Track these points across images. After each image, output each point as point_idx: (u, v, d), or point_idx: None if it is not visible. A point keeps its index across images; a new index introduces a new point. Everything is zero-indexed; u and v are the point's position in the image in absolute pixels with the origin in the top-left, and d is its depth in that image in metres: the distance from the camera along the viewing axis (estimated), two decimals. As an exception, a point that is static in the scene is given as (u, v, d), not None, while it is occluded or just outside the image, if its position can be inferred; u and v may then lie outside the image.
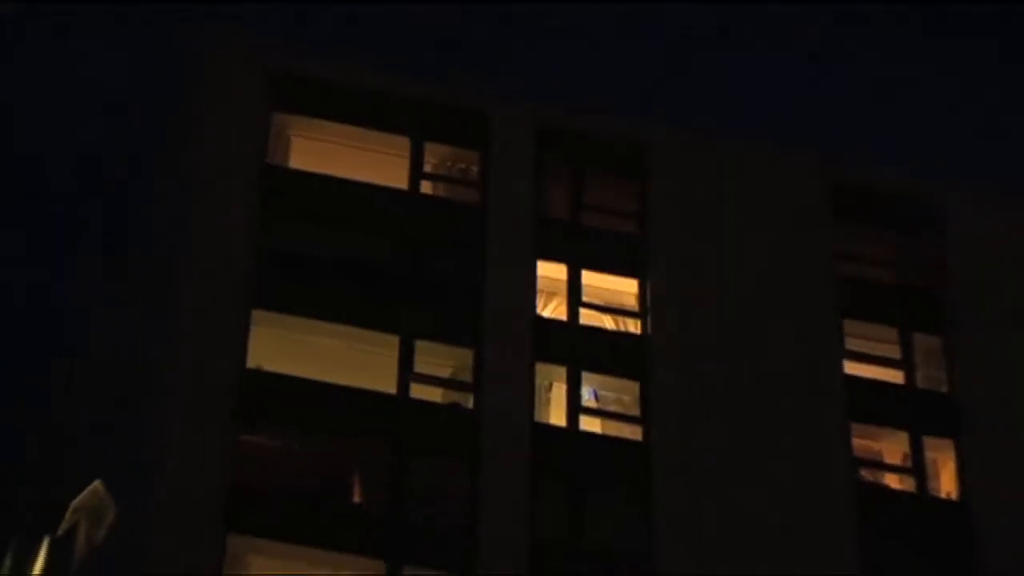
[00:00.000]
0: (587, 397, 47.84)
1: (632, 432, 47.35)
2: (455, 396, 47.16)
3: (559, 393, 47.72)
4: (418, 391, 46.48)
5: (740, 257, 50.34)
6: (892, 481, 48.49)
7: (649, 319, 49.14)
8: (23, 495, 51.57)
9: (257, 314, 46.31)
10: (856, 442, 47.97)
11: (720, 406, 47.48)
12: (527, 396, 46.86)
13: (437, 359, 47.19)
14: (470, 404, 46.75)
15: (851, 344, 49.79)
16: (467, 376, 47.18)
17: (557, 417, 47.32)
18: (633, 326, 49.33)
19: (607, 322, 49.46)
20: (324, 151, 50.22)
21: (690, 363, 48.07)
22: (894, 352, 50.16)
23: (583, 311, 49.28)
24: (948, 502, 47.92)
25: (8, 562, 50.59)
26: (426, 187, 50.60)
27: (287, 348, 46.10)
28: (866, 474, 48.10)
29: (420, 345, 46.91)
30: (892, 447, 48.87)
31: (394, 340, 46.80)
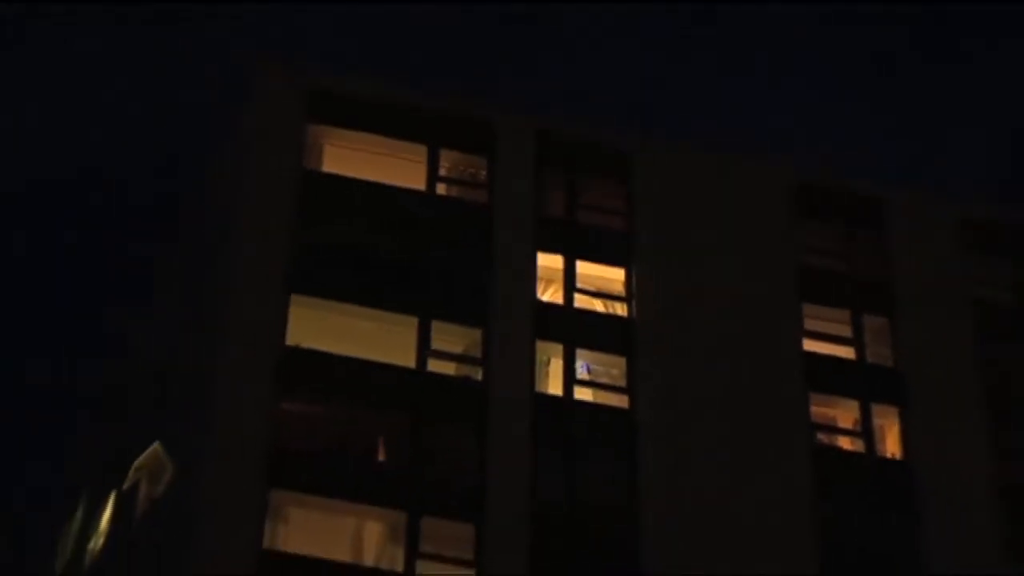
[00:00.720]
0: (581, 371, 47.85)
1: (620, 401, 47.44)
2: (466, 369, 47.14)
3: (556, 367, 47.80)
4: (434, 365, 46.63)
5: (713, 249, 50.31)
6: (845, 443, 48.60)
7: (634, 303, 49.26)
8: (93, 456, 51.71)
9: (295, 298, 46.33)
10: (813, 409, 48.15)
11: (695, 378, 47.64)
12: (528, 369, 47.03)
13: (450, 337, 47.27)
14: (479, 376, 46.79)
15: (809, 324, 49.81)
16: (477, 352, 47.24)
17: (555, 387, 47.44)
18: (620, 309, 49.33)
19: (598, 305, 49.48)
20: (353, 157, 50.08)
21: (670, 341, 48.20)
22: (846, 331, 50.20)
23: (577, 296, 49.29)
24: (893, 461, 48.02)
25: (80, 513, 50.86)
26: (441, 188, 50.58)
27: (321, 328, 45.99)
28: (822, 437, 48.06)
29: (436, 325, 47.00)
30: (845, 414, 48.92)
31: (413, 321, 46.86)
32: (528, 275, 49.07)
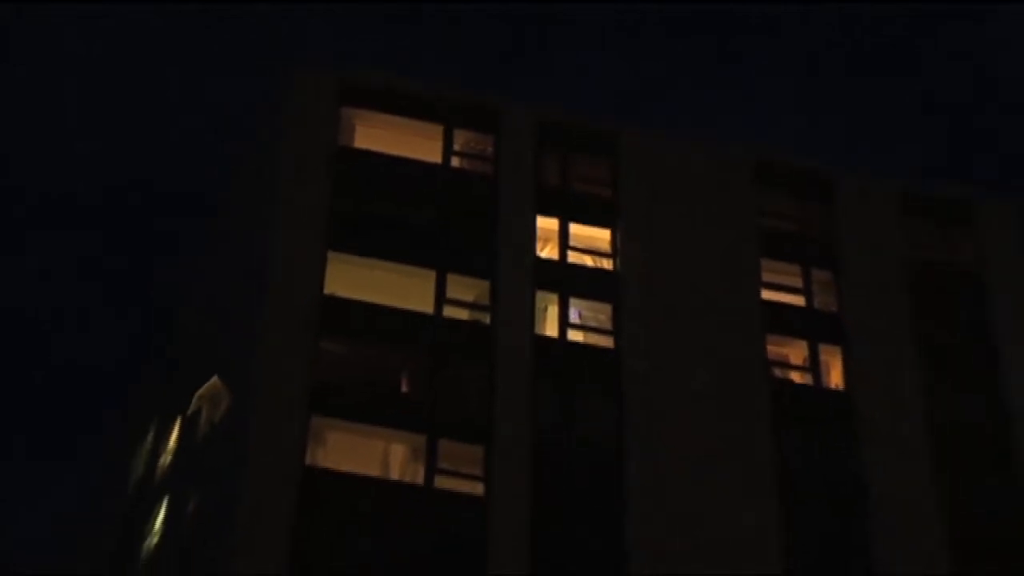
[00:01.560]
0: (573, 316, 47.91)
1: (606, 342, 47.60)
2: (476, 315, 47.04)
3: (552, 313, 47.86)
4: (449, 311, 46.64)
5: (686, 214, 50.46)
6: (796, 377, 48.58)
7: (619, 259, 49.36)
8: (162, 386, 51.88)
9: (332, 255, 46.57)
10: (770, 348, 48.32)
11: (670, 323, 47.69)
12: (529, 315, 47.14)
13: (463, 288, 47.22)
14: (487, 321, 46.80)
15: (766, 277, 49.83)
16: (485, 300, 47.22)
17: (551, 330, 47.51)
18: (607, 264, 49.37)
19: (588, 261, 49.55)
20: (380, 136, 50.14)
21: (649, 291, 48.30)
22: (798, 283, 50.21)
23: (570, 253, 49.40)
24: (836, 391, 48.15)
25: (151, 436, 51.05)
26: (455, 162, 50.58)
27: (354, 280, 46.14)
28: (777, 371, 48.07)
29: (451, 277, 47.08)
30: (796, 352, 49.00)
31: (431, 274, 46.94)
32: (528, 235, 49.12)
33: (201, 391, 47.30)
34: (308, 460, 42.67)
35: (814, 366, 48.49)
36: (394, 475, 43.96)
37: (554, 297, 48.12)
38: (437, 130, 50.77)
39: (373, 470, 43.66)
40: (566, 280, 48.76)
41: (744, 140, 55.14)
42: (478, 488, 43.33)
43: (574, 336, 47.76)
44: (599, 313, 48.25)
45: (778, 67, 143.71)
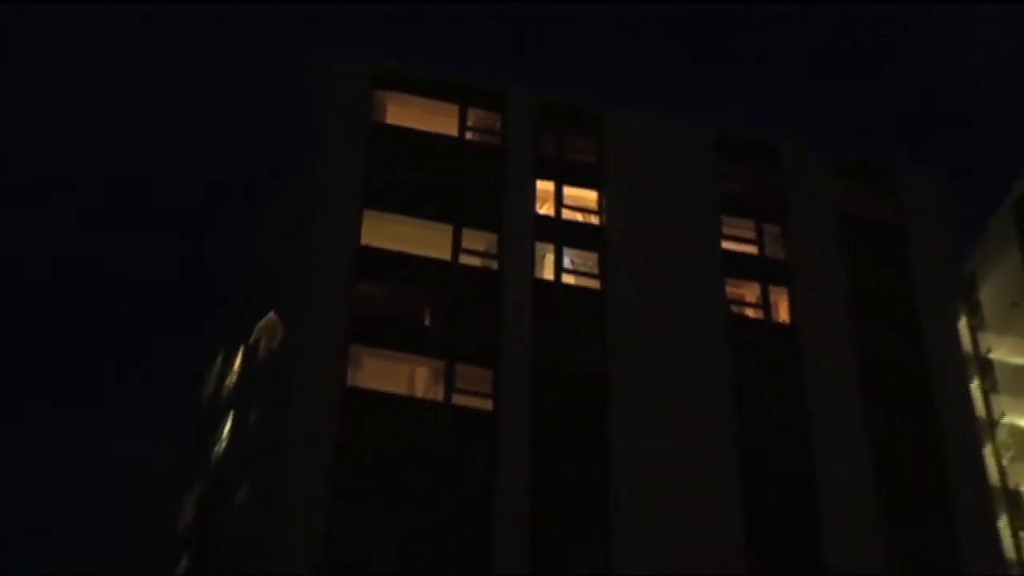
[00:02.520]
0: (566, 263, 47.85)
1: (594, 284, 47.54)
2: (487, 262, 47.05)
3: (549, 260, 47.83)
4: (464, 259, 46.62)
5: (660, 178, 50.29)
6: (750, 312, 48.51)
7: (604, 215, 49.24)
8: (229, 321, 52.06)
9: (367, 212, 46.62)
10: (728, 290, 48.31)
11: (647, 268, 47.68)
12: (530, 262, 47.19)
13: (475, 240, 47.20)
14: (495, 267, 46.81)
15: (726, 231, 49.73)
16: (494, 250, 47.18)
17: (548, 274, 47.49)
18: (594, 219, 49.23)
19: (579, 217, 49.36)
20: (407, 113, 49.93)
21: (628, 242, 48.29)
22: (751, 235, 50.08)
23: (564, 210, 49.21)
24: (783, 324, 48.12)
25: (219, 361, 51.37)
26: (468, 135, 50.36)
27: (385, 232, 46.13)
28: (734, 308, 48.11)
29: (465, 231, 47.08)
30: (750, 292, 48.82)
31: (449, 228, 46.99)
32: (529, 196, 49.06)
33: (260, 324, 47.62)
34: (348, 381, 42.74)
35: (765, 304, 48.40)
36: (419, 393, 43.91)
37: (550, 247, 48.03)
38: (453, 109, 50.49)
39: (401, 389, 43.78)
40: (560, 233, 48.65)
41: (708, 118, 54.93)
42: (487, 404, 43.36)
43: (567, 279, 47.64)
44: (587, 260, 48.11)
45: (747, 61, 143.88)
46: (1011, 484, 52.53)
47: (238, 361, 49.34)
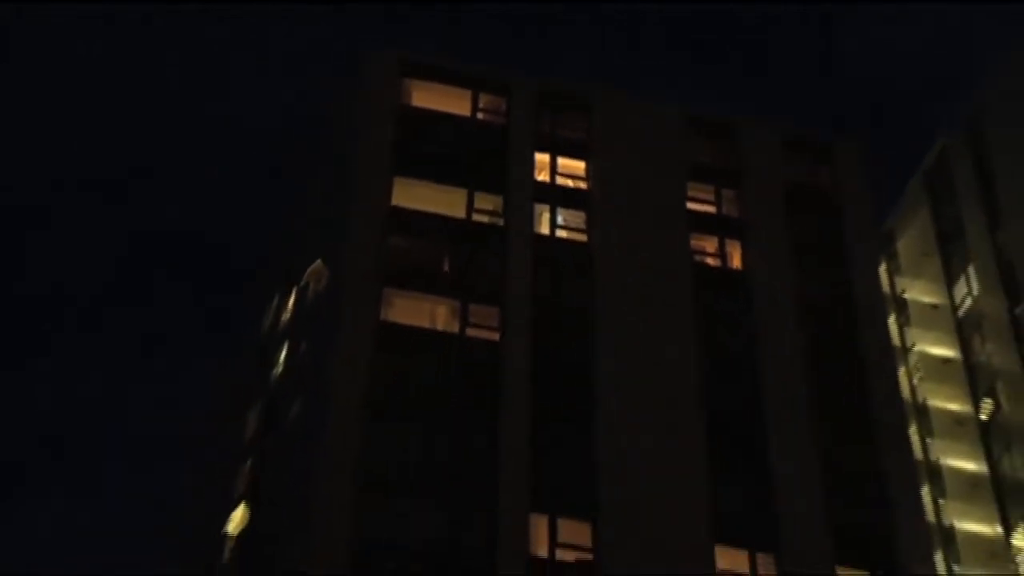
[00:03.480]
0: (559, 220, 47.75)
1: (582, 237, 47.45)
2: (494, 219, 46.89)
3: (545, 218, 47.79)
4: (476, 216, 46.55)
5: (636, 151, 50.00)
6: (710, 260, 48.26)
7: (590, 181, 49.06)
8: (283, 267, 52.08)
9: (396, 178, 46.58)
10: (693, 242, 48.18)
11: (625, 224, 47.57)
12: (530, 219, 47.12)
13: (485, 201, 47.01)
14: (501, 223, 46.70)
15: (691, 193, 49.52)
16: (500, 209, 47.02)
17: (544, 229, 47.49)
18: (583, 184, 49.07)
19: (569, 183, 49.15)
20: (429, 97, 49.76)
21: (610, 203, 48.13)
22: (712, 198, 49.74)
23: (558, 177, 49.00)
24: (736, 270, 48.01)
25: (276, 302, 51.49)
26: (480, 115, 50.07)
27: (412, 195, 46.18)
28: (697, 257, 47.97)
29: (477, 195, 46.93)
30: (710, 244, 48.55)
31: (464, 191, 46.87)
32: (530, 165, 48.91)
33: (310, 270, 47.61)
34: (381, 317, 42.78)
35: (722, 254, 48.32)
36: (439, 327, 43.85)
37: (547, 207, 47.89)
38: (467, 94, 50.21)
39: (424, 323, 43.74)
40: (554, 196, 48.45)
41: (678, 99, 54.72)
42: (495, 335, 43.35)
43: (560, 233, 47.49)
44: (576, 218, 48.00)
45: (720, 56, 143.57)
46: (920, 399, 53.23)
47: (291, 301, 49.33)
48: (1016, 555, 47.30)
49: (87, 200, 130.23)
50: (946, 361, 53.85)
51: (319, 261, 47.21)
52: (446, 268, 45.57)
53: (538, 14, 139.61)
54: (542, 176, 49.03)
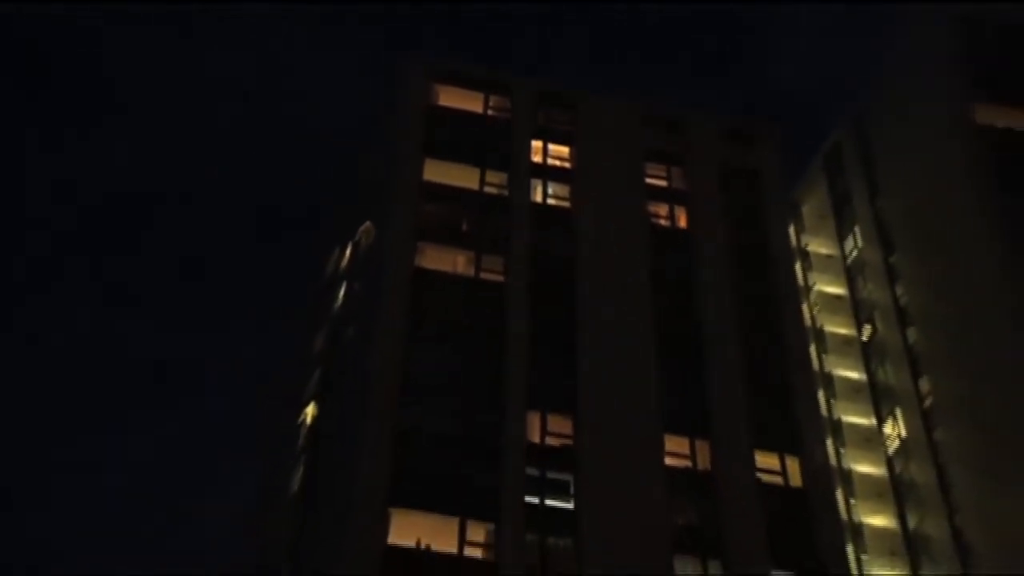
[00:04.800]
0: (549, 191, 47.34)
1: (566, 204, 47.05)
2: (500, 190, 46.32)
3: (539, 190, 47.20)
4: (487, 189, 46.09)
5: (608, 139, 49.59)
6: (663, 221, 47.42)
7: (574, 162, 48.61)
8: (341, 226, 51.80)
9: (427, 160, 46.14)
10: (649, 207, 47.64)
11: (599, 194, 47.13)
12: (528, 192, 46.71)
13: (494, 177, 46.46)
14: (507, 193, 46.23)
15: (648, 171, 48.84)
16: (505, 183, 46.50)
17: (538, 199, 46.97)
18: (568, 165, 48.60)
19: (558, 163, 48.59)
20: (451, 97, 49.31)
21: (587, 179, 47.79)
22: (663, 175, 49.02)
23: (549, 159, 48.40)
24: (683, 229, 47.34)
25: (335, 256, 51.47)
26: (489, 112, 49.37)
27: (439, 172, 45.80)
28: (653, 219, 47.33)
29: (488, 172, 46.43)
30: (663, 209, 47.83)
31: (477, 170, 46.36)
32: (528, 149, 48.36)
33: (362, 229, 47.62)
34: (416, 264, 42.50)
35: (672, 216, 47.86)
36: (459, 271, 43.45)
37: (540, 182, 47.44)
38: (480, 95, 49.49)
39: (448, 268, 43.40)
40: (546, 173, 47.95)
41: (639, 95, 54.30)
42: (501, 278, 43.05)
43: (550, 201, 47.02)
44: (563, 190, 47.59)
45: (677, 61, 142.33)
46: (818, 325, 53.70)
47: (348, 252, 49.20)
48: (885, 440, 48.09)
49: (215, 182, 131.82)
50: (837, 297, 54.06)
51: (369, 222, 47.21)
52: (464, 227, 45.23)
53: (536, 14, 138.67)
54: (537, 158, 48.59)
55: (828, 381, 50.59)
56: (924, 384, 45.44)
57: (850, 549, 42.18)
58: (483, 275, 43.13)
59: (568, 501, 36.71)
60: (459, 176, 46.00)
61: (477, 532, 34.80)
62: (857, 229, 53.68)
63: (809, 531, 37.35)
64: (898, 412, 46.90)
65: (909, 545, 43.66)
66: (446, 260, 43.60)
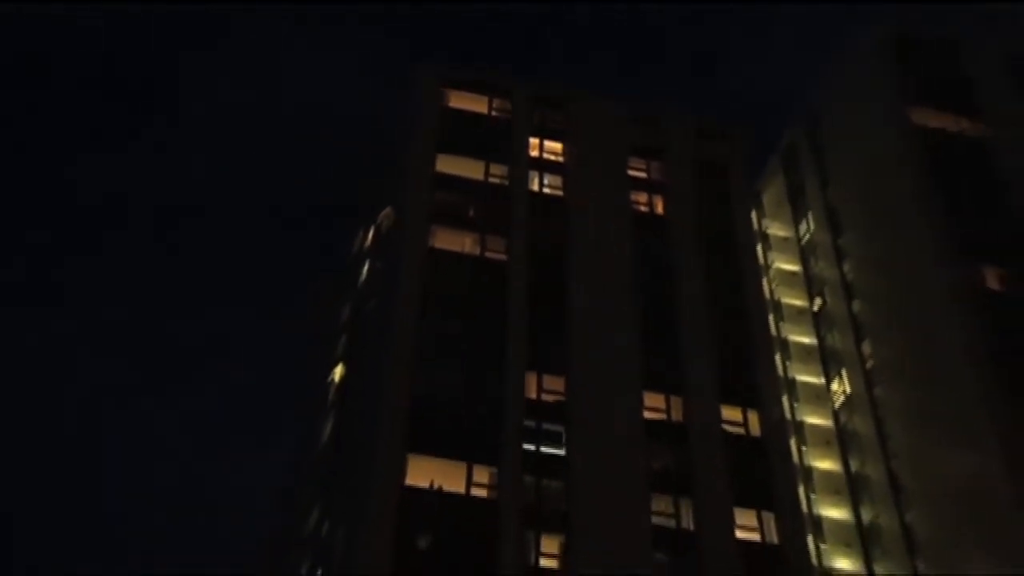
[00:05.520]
0: (545, 182, 46.49)
1: (559, 193, 46.11)
2: (503, 180, 45.49)
3: (536, 180, 46.57)
4: (491, 179, 45.50)
5: (595, 135, 49.03)
6: (643, 208, 46.96)
7: (566, 157, 48.10)
8: (366, 211, 51.72)
9: (439, 155, 45.53)
10: (632, 196, 47.16)
11: (588, 184, 46.73)
12: (525, 180, 46.12)
13: (497, 168, 45.80)
14: (507, 183, 45.50)
15: (631, 164, 48.32)
16: (507, 174, 45.80)
17: (535, 187, 46.40)
18: (561, 159, 47.89)
19: (552, 157, 47.94)
20: (459, 99, 48.56)
21: (578, 169, 47.33)
22: (643, 167, 48.43)
23: (544, 154, 47.82)
24: (660, 214, 46.86)
25: (360, 235, 51.24)
26: (493, 113, 48.64)
27: (450, 164, 45.26)
28: (634, 206, 46.86)
29: (491, 165, 45.86)
30: (643, 198, 47.10)
31: (483, 162, 45.56)
32: (526, 145, 47.72)
33: (383, 213, 47.54)
34: (429, 244, 42.08)
35: (651, 203, 47.18)
36: (467, 251, 42.70)
37: (537, 173, 46.77)
38: (484, 98, 48.80)
39: (457, 248, 42.80)
40: (541, 165, 47.26)
41: (624, 97, 53.75)
42: (503, 256, 42.65)
43: (545, 191, 46.32)
44: (557, 180, 47.00)
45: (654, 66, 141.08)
46: (776, 297, 53.57)
47: (371, 234, 49.16)
48: (832, 396, 48.07)
49: (252, 179, 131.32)
50: (793, 274, 53.75)
51: (389, 208, 47.10)
52: (471, 213, 44.70)
53: (532, 14, 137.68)
54: (534, 153, 48.00)
55: (784, 346, 50.47)
56: (866, 348, 45.57)
57: (801, 490, 42.32)
58: (487, 254, 42.86)
59: (560, 448, 36.82)
60: (467, 168, 45.52)
61: (481, 475, 35.01)
62: (810, 214, 53.47)
63: (766, 474, 37.56)
64: (843, 372, 46.99)
65: (851, 485, 44.03)
66: (455, 241, 43.24)
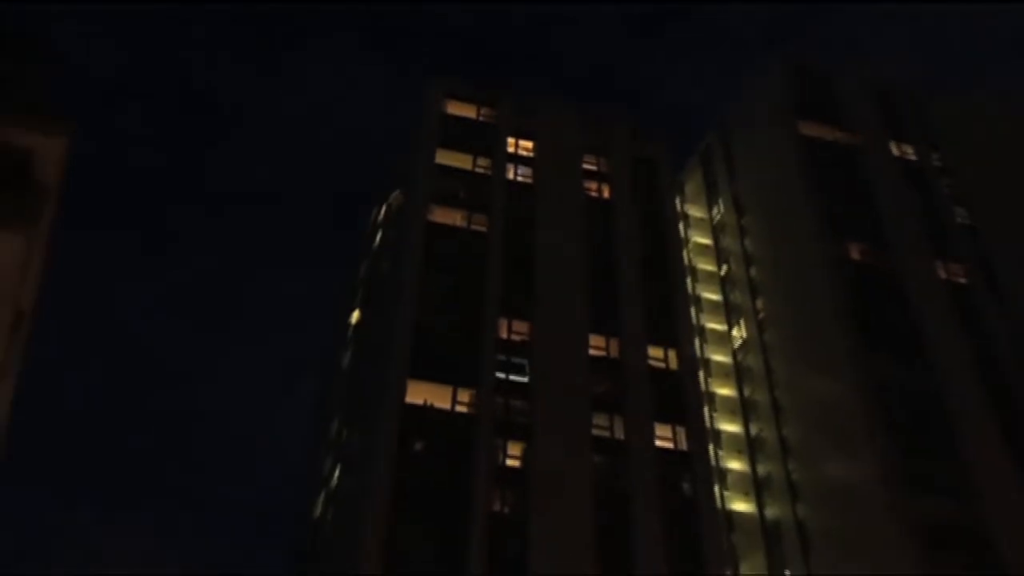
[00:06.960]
0: (520, 172, 44.66)
1: (529, 181, 44.41)
2: (487, 171, 43.39)
3: (512, 170, 44.73)
4: (478, 169, 43.03)
5: (560, 134, 47.26)
6: (593, 194, 45.34)
7: (535, 152, 46.28)
8: (379, 198, 50.44)
9: (439, 150, 43.53)
10: (585, 184, 45.47)
11: (552, 175, 45.16)
12: (504, 170, 44.22)
13: (483, 161, 43.46)
14: (491, 173, 43.51)
15: (584, 159, 46.46)
16: (491, 166, 43.56)
17: (512, 176, 44.37)
18: (531, 154, 45.63)
19: (525, 152, 45.92)
20: (457, 108, 46.78)
21: (548, 164, 45.70)
22: (595, 163, 46.64)
23: (519, 150, 45.44)
24: (607, 199, 44.81)
25: (374, 213, 49.62)
26: (482, 118, 46.54)
27: (447, 158, 43.43)
28: (588, 193, 44.85)
29: (478, 158, 43.87)
30: (593, 186, 45.45)
31: (471, 156, 43.69)
32: (505, 143, 45.54)
33: (393, 195, 46.54)
34: (429, 219, 40.52)
35: (599, 191, 45.06)
36: (458, 224, 40.72)
37: (512, 165, 44.62)
38: (475, 106, 46.39)
39: (450, 222, 40.81)
40: (516, 159, 45.14)
41: (580, 104, 51.88)
42: (484, 229, 40.89)
43: (520, 179, 44.25)
44: (528, 171, 44.89)
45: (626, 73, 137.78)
46: (693, 265, 52.83)
47: (383, 212, 48.09)
48: (732, 339, 47.93)
49: (300, 178, 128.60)
50: (706, 246, 53.27)
51: (399, 191, 46.07)
52: (461, 195, 42.84)
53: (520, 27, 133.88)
54: (511, 149, 45.84)
55: (698, 301, 50.27)
56: (759, 303, 45.89)
57: (706, 410, 42.63)
58: (473, 227, 41.58)
59: (524, 377, 36.50)
60: (460, 160, 44.06)
61: (464, 395, 34.76)
62: (720, 201, 53.03)
63: (680, 398, 37.62)
64: (742, 322, 47.14)
65: (744, 406, 44.52)
66: (449, 216, 41.90)
